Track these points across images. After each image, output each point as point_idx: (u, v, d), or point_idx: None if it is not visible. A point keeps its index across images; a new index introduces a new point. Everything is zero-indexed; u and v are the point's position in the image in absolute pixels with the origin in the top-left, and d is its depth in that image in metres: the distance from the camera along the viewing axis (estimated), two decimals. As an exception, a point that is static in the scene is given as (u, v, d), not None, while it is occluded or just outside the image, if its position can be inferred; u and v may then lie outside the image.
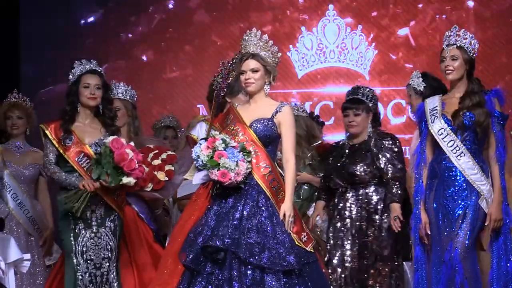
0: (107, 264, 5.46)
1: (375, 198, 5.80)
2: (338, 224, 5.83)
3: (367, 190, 5.81)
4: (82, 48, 8.93)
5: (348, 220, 5.80)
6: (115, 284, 5.49)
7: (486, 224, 5.23)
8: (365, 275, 5.73)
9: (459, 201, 5.23)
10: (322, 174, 6.10)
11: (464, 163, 5.23)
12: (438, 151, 5.34)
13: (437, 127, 5.29)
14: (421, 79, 5.92)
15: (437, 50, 7.88)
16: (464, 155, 5.23)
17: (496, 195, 5.22)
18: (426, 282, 5.32)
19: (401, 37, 8.82)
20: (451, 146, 5.26)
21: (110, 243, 5.47)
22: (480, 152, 5.31)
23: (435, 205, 5.29)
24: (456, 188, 5.25)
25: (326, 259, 5.82)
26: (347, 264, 5.75)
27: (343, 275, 5.75)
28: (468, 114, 5.25)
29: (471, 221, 5.19)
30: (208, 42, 9.09)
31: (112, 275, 5.47)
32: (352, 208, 5.81)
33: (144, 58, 9.24)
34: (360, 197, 5.81)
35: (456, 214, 5.21)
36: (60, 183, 5.48)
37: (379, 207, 5.79)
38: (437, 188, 5.30)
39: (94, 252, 5.43)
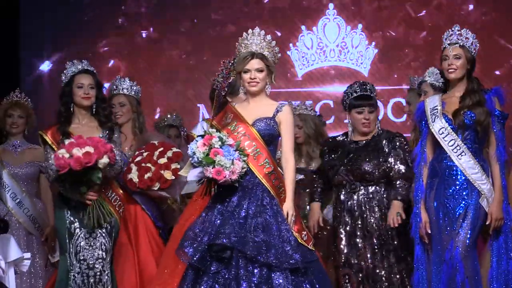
0: (101, 264, 5.43)
1: (386, 196, 5.72)
2: (349, 223, 5.72)
3: (377, 189, 5.73)
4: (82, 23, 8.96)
5: (359, 218, 5.70)
6: (110, 286, 5.47)
7: (487, 223, 5.23)
8: (388, 275, 5.64)
9: (460, 200, 5.23)
10: (321, 173, 5.95)
11: (464, 162, 5.23)
12: (438, 150, 5.34)
13: (438, 126, 5.29)
14: (439, 75, 5.86)
15: (437, 29, 8.00)
16: (465, 154, 5.23)
17: (496, 194, 5.23)
18: (426, 281, 5.32)
19: (400, 15, 8.83)
20: (451, 146, 5.26)
21: (105, 244, 5.45)
22: (480, 151, 5.31)
23: (435, 204, 5.29)
24: (457, 187, 5.25)
25: (341, 258, 5.72)
26: (365, 264, 5.65)
27: (360, 274, 5.65)
28: (468, 113, 5.24)
29: (472, 220, 5.19)
30: (207, 19, 9.06)
31: (106, 276, 5.44)
32: (363, 207, 5.70)
33: (144, 35, 9.22)
34: (371, 195, 5.72)
35: (457, 213, 5.21)
36: (61, 191, 5.46)
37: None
38: (438, 187, 5.30)
39: (88, 252, 5.41)
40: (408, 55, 8.85)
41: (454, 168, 5.25)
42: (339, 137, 5.94)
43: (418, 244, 5.37)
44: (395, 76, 8.78)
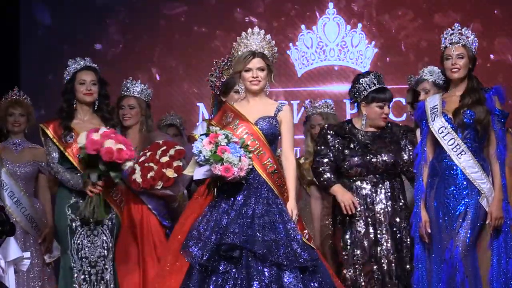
0: (103, 262, 5.45)
1: (402, 190, 5.67)
2: (369, 217, 5.60)
3: (394, 182, 5.66)
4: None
5: (381, 212, 5.59)
6: (112, 284, 5.47)
7: (487, 222, 5.23)
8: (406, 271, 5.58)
9: (460, 200, 5.23)
10: (329, 158, 5.69)
11: (464, 162, 5.23)
12: (438, 150, 5.33)
13: (438, 125, 5.29)
14: (440, 73, 5.82)
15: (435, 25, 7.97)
16: (465, 153, 5.23)
17: (496, 193, 5.22)
18: (426, 280, 5.32)
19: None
20: (451, 145, 5.26)
21: (107, 242, 5.46)
22: (480, 150, 5.30)
23: (435, 204, 5.29)
24: (457, 186, 5.24)
25: (364, 255, 5.61)
26: (387, 260, 5.57)
27: (381, 270, 5.57)
28: (468, 112, 5.24)
29: (472, 219, 5.18)
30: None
31: (108, 274, 5.46)
32: (384, 201, 5.60)
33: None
34: (390, 189, 5.62)
35: (457, 213, 5.21)
36: (64, 182, 5.47)
37: (407, 200, 5.68)
38: (438, 186, 5.30)
39: (89, 250, 5.42)
40: (409, 54, 8.86)
41: (454, 168, 5.25)
42: (344, 125, 5.79)
43: (417, 243, 5.37)
44: (395, 75, 8.77)
